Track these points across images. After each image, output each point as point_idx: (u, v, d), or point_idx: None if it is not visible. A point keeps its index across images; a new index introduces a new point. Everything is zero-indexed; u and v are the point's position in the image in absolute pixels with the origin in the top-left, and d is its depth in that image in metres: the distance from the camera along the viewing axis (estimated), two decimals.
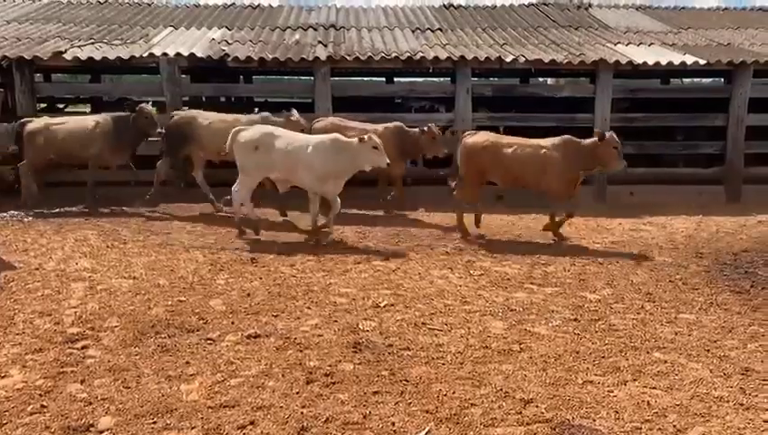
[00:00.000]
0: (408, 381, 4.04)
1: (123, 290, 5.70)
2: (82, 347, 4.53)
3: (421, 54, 10.38)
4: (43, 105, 12.49)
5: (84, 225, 8.20)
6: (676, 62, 10.36)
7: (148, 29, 11.95)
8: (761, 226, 8.82)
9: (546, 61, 10.26)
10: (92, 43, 10.70)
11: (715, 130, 10.80)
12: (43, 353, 4.41)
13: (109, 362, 4.29)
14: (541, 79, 16.70)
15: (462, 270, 6.48)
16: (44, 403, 3.73)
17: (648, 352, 4.53)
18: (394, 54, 10.36)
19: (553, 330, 4.95)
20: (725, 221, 9.01)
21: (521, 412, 3.69)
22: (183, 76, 10.97)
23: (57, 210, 8.88)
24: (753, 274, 6.49)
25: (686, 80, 17.20)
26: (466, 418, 3.62)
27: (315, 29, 12.25)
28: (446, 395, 3.87)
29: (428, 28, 12.50)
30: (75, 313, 5.14)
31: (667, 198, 10.27)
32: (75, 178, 10.40)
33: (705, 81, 16.76)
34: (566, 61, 10.27)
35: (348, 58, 10.19)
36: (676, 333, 4.90)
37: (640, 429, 3.53)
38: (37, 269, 6.27)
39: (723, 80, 14.24)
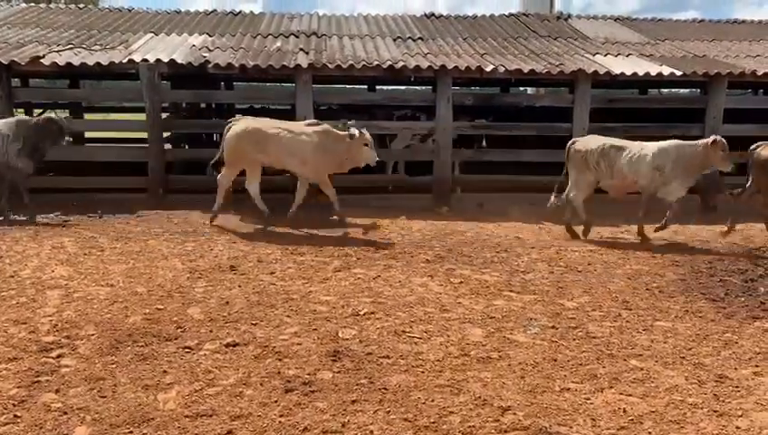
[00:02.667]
0: (387, 390, 4.04)
1: (100, 298, 5.64)
2: (58, 356, 4.47)
3: (402, 63, 10.42)
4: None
5: (61, 232, 8.11)
6: (653, 72, 10.53)
7: (128, 35, 11.87)
8: (735, 234, 8.95)
9: (525, 71, 10.37)
10: (71, 49, 10.60)
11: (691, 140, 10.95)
12: (17, 362, 4.34)
13: (85, 370, 4.24)
14: (521, 88, 16.87)
15: (442, 278, 6.51)
16: (18, 413, 3.68)
17: (624, 360, 4.58)
18: (375, 63, 10.40)
19: (532, 337, 4.99)
20: (701, 230, 9.15)
21: (498, 420, 3.70)
22: (164, 82, 10.92)
23: (30, 217, 8.78)
24: (727, 282, 6.59)
25: (665, 90, 17.50)
26: (445, 426, 3.63)
27: (297, 36, 12.25)
28: (424, 403, 3.88)
29: (410, 37, 12.57)
30: (51, 321, 5.08)
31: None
32: (52, 185, 10.32)
33: (683, 91, 17.05)
34: (545, 71, 10.38)
35: (329, 66, 10.20)
36: (653, 341, 4.96)
37: None
38: (12, 277, 6.19)
39: (699, 91, 14.54)
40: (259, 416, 3.70)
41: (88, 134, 15.30)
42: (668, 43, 13.06)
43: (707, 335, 5.11)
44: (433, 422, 3.66)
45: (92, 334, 4.83)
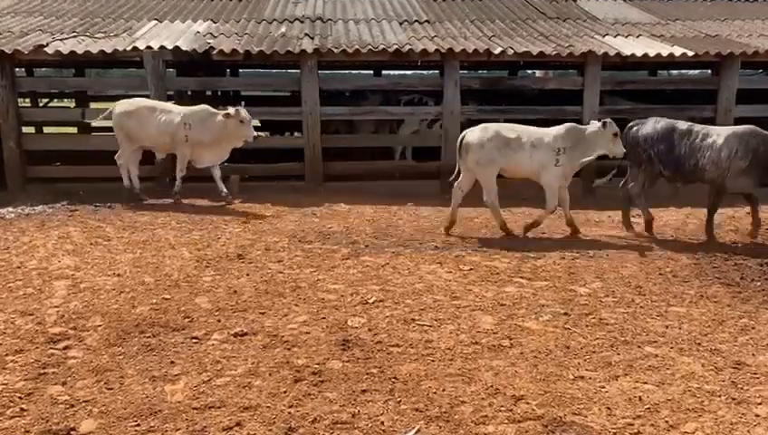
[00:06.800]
0: (397, 379, 3.98)
1: (107, 288, 5.59)
2: (65, 347, 4.43)
3: (409, 47, 10.27)
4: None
5: (68, 222, 8.07)
6: (665, 53, 10.32)
7: (132, 22, 11.75)
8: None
9: (534, 53, 10.19)
10: (75, 37, 10.51)
11: (703, 122, 10.77)
12: (24, 354, 4.31)
13: (91, 362, 4.20)
14: (529, 71, 16.65)
15: (451, 265, 6.42)
16: (24, 406, 3.64)
17: (639, 347, 4.50)
18: (382, 47, 10.25)
19: (544, 324, 4.91)
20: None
21: (511, 409, 3.64)
22: (168, 70, 10.81)
23: (40, 207, 8.76)
24: (742, 265, 6.47)
25: (674, 72, 17.23)
26: (456, 416, 3.56)
27: (302, 21, 12.10)
28: (435, 393, 3.81)
29: (416, 20, 12.38)
30: (57, 312, 5.04)
31: (656, 189, 10.24)
32: (59, 175, 10.31)
33: (692, 72, 16.76)
34: (554, 53, 10.19)
35: (335, 51, 10.07)
36: (667, 327, 4.87)
37: (633, 425, 3.49)
38: (19, 267, 6.16)
39: (709, 71, 14.28)
40: (268, 407, 3.65)
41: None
42: (679, 23, 12.82)
43: (723, 321, 5.01)
44: (444, 412, 3.59)
45: (99, 325, 4.80)
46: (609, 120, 7.38)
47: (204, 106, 9.28)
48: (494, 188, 7.56)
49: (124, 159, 9.28)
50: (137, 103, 9.31)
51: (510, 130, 7.57)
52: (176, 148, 9.16)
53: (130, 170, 9.37)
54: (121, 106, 9.25)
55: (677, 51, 10.40)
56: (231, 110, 8.79)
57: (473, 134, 7.55)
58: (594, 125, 7.45)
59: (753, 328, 4.87)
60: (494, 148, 7.41)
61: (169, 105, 9.42)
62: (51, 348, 4.41)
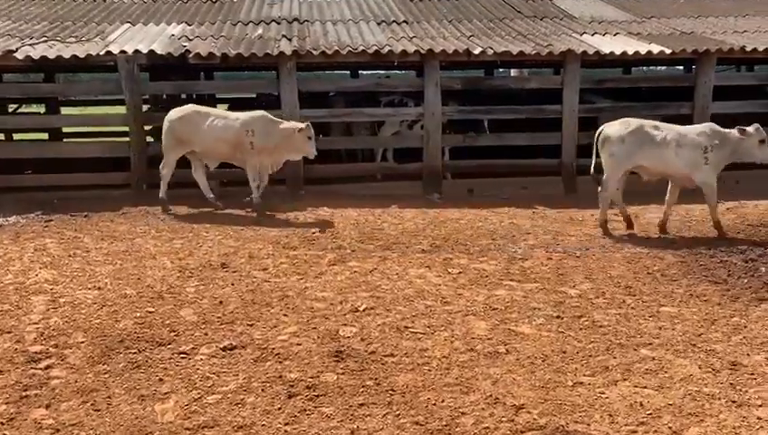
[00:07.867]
0: (394, 391, 3.90)
1: (88, 302, 5.41)
2: (46, 367, 4.27)
3: (389, 48, 10.17)
4: None
5: (43, 233, 7.82)
6: (643, 51, 10.37)
7: (104, 25, 11.47)
8: (729, 213, 8.89)
9: (515, 53, 10.16)
10: (46, 42, 10.22)
11: (682, 119, 10.86)
12: (3, 376, 4.14)
13: (76, 382, 4.04)
14: (501, 70, 16.65)
15: (440, 268, 6.35)
16: (7, 432, 3.48)
17: (634, 349, 4.47)
18: (361, 48, 10.14)
19: (537, 329, 4.86)
20: (695, 209, 9.05)
21: (513, 419, 3.57)
22: (141, 73, 10.57)
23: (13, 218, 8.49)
24: (728, 262, 6.50)
25: (645, 68, 17.38)
26: (458, 428, 3.49)
27: (278, 23, 11.93)
28: (434, 404, 3.74)
29: (394, 21, 12.29)
30: (37, 329, 4.86)
31: (636, 186, 10.30)
32: (31, 183, 10.04)
33: (661, 68, 16.91)
34: (534, 52, 10.18)
35: (314, 52, 9.93)
36: (660, 328, 4.86)
37: (636, 432, 3.45)
38: None
39: (682, 68, 14.42)
40: (263, 425, 3.54)
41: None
42: (655, 21, 12.92)
43: (715, 320, 5.02)
44: (445, 425, 3.52)
45: (82, 342, 4.63)
46: (757, 125, 7.28)
47: (262, 112, 9.05)
48: (615, 183, 7.59)
49: (167, 169, 9.03)
50: (187, 109, 9.09)
51: (652, 125, 7.52)
52: (243, 159, 8.86)
53: (198, 179, 9.09)
54: (173, 112, 9.03)
55: (655, 48, 10.46)
56: (303, 124, 8.58)
57: (612, 127, 7.48)
58: (738, 130, 7.28)
59: (745, 327, 4.87)
60: (635, 143, 7.35)
61: (225, 111, 9.15)
62: (32, 368, 4.24)
